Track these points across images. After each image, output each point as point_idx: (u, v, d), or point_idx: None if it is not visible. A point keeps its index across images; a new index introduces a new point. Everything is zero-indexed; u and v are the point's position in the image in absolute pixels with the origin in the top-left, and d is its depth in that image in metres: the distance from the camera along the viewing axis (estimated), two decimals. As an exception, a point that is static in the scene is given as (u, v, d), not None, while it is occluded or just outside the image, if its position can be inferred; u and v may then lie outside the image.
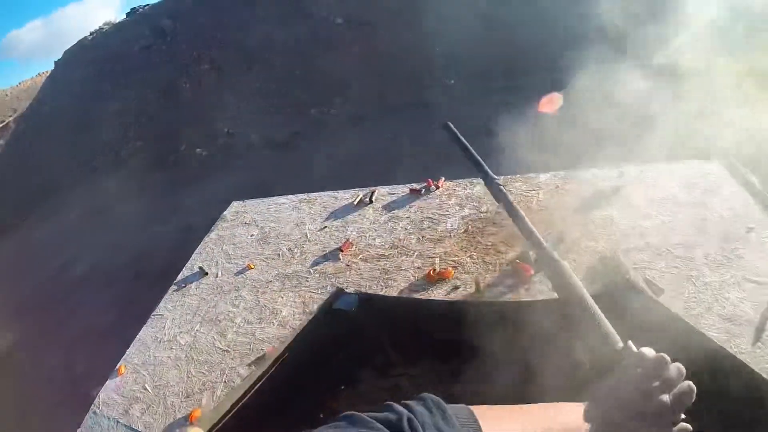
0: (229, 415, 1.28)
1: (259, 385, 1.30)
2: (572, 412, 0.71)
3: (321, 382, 1.43)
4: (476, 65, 4.18)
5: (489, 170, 1.15)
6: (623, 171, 1.66)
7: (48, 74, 15.61)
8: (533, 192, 1.67)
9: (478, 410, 0.63)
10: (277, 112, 4.42)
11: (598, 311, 0.86)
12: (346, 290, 1.47)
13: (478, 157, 1.16)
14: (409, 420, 0.53)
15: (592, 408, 0.72)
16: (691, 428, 0.72)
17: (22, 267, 6.65)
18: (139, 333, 1.73)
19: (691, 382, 0.72)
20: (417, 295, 1.37)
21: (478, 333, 1.28)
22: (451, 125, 1.23)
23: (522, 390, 1.36)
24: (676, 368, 0.73)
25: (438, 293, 1.37)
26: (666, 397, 0.70)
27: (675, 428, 0.71)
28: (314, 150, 3.97)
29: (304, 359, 1.37)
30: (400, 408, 0.55)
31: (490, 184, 1.12)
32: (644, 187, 1.58)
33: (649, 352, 0.77)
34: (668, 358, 0.75)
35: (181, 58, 6.28)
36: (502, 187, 1.10)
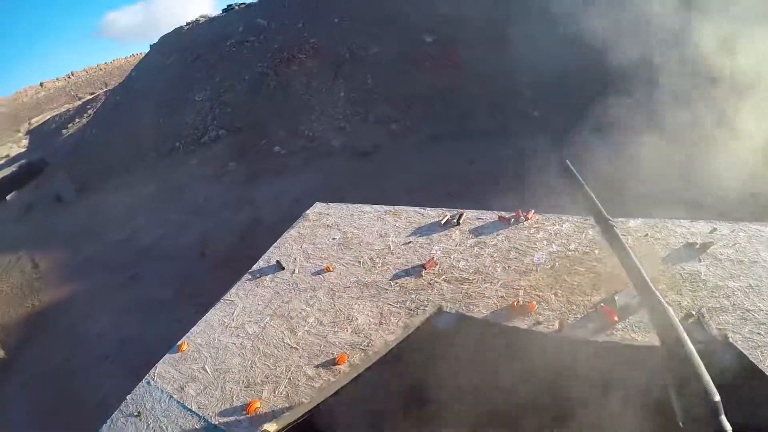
0: (301, 419, 1.27)
1: (335, 392, 1.30)
2: None
3: (395, 399, 1.41)
4: (564, 99, 4.11)
5: (604, 211, 1.15)
6: (716, 228, 1.62)
7: (142, 56, 16.61)
8: (622, 237, 1.64)
9: None
10: (360, 122, 4.49)
11: (700, 362, 0.85)
12: (448, 309, 1.45)
13: (594, 198, 1.18)
14: None
15: None
16: None
17: (92, 229, 7.04)
18: (206, 314, 1.75)
19: None
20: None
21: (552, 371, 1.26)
22: (570, 164, 1.27)
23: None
24: None
25: (519, 325, 1.35)
26: None
27: None
28: (391, 163, 3.98)
29: (385, 374, 1.36)
30: None
31: (604, 225, 1.14)
32: (735, 247, 1.53)
33: (725, 420, 0.76)
34: None
35: (271, 57, 6.51)
36: (617, 230, 1.12)
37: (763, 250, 1.51)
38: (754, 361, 1.19)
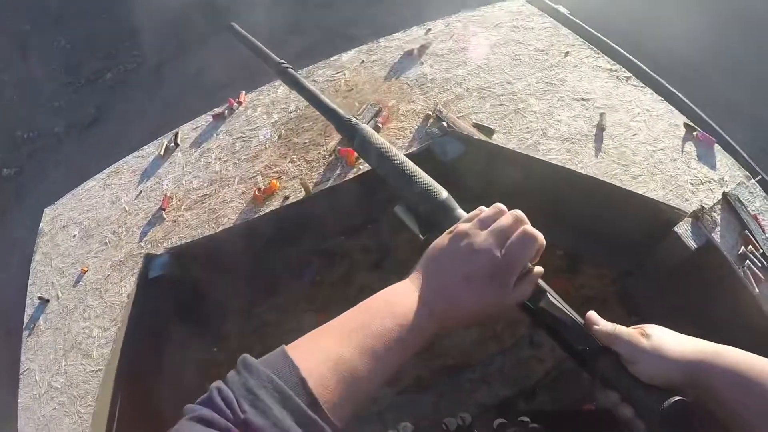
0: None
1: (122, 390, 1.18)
2: (395, 293, 0.63)
3: (191, 354, 1.32)
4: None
5: (277, 58, 1.02)
6: (430, 28, 1.63)
7: None
8: (339, 74, 1.60)
9: (293, 344, 0.58)
10: (72, 92, 3.82)
11: (411, 166, 0.78)
12: (156, 252, 1.34)
13: (265, 49, 1.05)
14: (218, 389, 0.51)
15: (422, 280, 0.64)
16: (542, 270, 0.67)
17: None
18: (19, 399, 1.50)
19: (525, 229, 0.64)
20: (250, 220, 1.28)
21: (316, 237, 1.25)
22: (235, 25, 1.11)
23: (380, 279, 1.38)
24: (511, 217, 0.65)
25: (269, 210, 1.29)
26: (496, 252, 0.62)
27: (525, 279, 0.64)
28: (126, 115, 3.52)
29: (151, 344, 1.24)
30: (213, 384, 0.53)
31: (279, 71, 1.01)
32: (453, 39, 1.56)
33: (463, 212, 0.71)
34: (484, 210, 0.68)
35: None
36: (290, 69, 0.98)
37: (480, 31, 1.56)
38: (501, 131, 1.24)
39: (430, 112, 1.35)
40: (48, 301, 1.60)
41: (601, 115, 1.31)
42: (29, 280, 1.78)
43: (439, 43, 1.55)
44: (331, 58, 1.65)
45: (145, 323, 1.25)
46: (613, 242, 1.33)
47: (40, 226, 1.89)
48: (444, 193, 0.75)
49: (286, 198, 1.28)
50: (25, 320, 1.66)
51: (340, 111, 0.88)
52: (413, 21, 1.71)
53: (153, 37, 3.67)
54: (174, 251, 1.29)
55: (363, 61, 1.59)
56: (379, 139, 0.82)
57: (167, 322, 1.33)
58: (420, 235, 0.74)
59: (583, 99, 1.35)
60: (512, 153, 1.23)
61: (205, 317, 1.39)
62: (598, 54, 1.46)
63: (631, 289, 1.46)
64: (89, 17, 4.29)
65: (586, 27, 1.53)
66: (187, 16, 3.77)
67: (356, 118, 0.88)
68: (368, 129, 0.84)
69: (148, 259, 1.33)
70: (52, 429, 1.34)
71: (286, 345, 0.57)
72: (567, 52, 1.47)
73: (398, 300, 0.61)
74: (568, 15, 1.58)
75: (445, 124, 1.29)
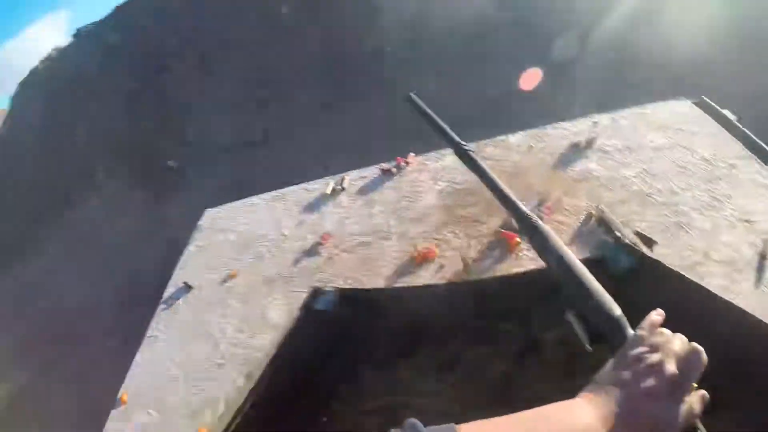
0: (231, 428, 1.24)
1: (255, 396, 1.27)
2: (572, 410, 0.64)
3: (319, 386, 1.40)
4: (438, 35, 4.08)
5: (457, 138, 1.08)
6: (596, 121, 1.61)
7: (5, 112, 14.95)
8: (506, 155, 1.63)
9: (465, 425, 0.60)
10: (241, 111, 4.31)
11: (589, 276, 0.79)
12: (325, 288, 1.42)
13: (445, 126, 1.10)
14: None
15: (601, 398, 0.65)
16: (707, 395, 0.66)
17: (14, 310, 6.50)
18: (135, 357, 1.67)
19: (692, 345, 0.66)
20: (403, 280, 1.33)
21: (468, 314, 1.26)
22: (414, 96, 1.18)
23: (521, 370, 1.33)
24: (678, 340, 0.68)
25: (425, 275, 1.32)
26: (672, 367, 0.64)
27: (693, 398, 0.64)
28: (286, 144, 3.87)
29: (297, 365, 1.33)
30: None
31: (460, 152, 1.06)
32: (619, 135, 1.53)
33: (644, 330, 0.71)
34: (666, 332, 0.70)
35: (138, 70, 6.06)
36: (473, 154, 1.03)
37: (647, 132, 1.51)
38: (662, 245, 1.18)
39: (593, 212, 1.30)
40: (192, 288, 1.78)
41: (764, 241, 1.17)
42: (179, 264, 1.98)
43: (605, 138, 1.53)
44: (498, 138, 1.70)
45: (297, 351, 1.35)
46: (759, 390, 1.21)
47: (199, 222, 2.12)
48: (618, 310, 0.74)
49: (442, 267, 1.32)
50: (165, 295, 1.85)
51: (522, 206, 0.90)
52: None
53: (326, 78, 4.04)
54: (342, 292, 1.38)
55: (531, 146, 1.61)
56: (560, 242, 0.83)
57: (316, 355, 1.42)
58: (588, 346, 0.74)
59: (747, 221, 1.22)
60: (679, 276, 1.14)
61: (350, 355, 1.45)
62: (765, 169, 1.33)
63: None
64: (265, 48, 4.83)
65: (754, 137, 1.41)
66: (365, 64, 4.11)
67: (531, 212, 0.90)
68: (549, 230, 0.85)
69: (317, 292, 1.42)
70: (158, 393, 1.45)
71: (456, 424, 0.59)
72: (733, 165, 1.35)
73: (572, 415, 0.63)
74: (736, 122, 1.47)
75: (619, 234, 1.23)
